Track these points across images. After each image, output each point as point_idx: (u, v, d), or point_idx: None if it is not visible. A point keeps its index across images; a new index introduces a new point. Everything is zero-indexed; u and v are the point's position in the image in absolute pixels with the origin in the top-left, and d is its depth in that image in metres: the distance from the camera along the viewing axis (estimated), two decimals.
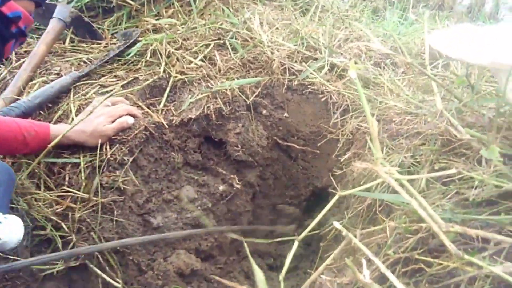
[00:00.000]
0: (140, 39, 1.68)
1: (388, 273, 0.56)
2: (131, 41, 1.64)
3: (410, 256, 0.66)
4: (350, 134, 1.27)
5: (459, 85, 0.93)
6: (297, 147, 1.52)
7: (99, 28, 1.81)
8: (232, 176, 1.43)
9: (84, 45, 1.72)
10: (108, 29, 1.83)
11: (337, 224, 0.64)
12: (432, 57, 1.09)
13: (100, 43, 1.73)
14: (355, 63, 1.60)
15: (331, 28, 1.70)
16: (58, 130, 1.19)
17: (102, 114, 1.26)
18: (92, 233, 1.15)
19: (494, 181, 0.64)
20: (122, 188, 1.25)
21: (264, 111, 1.51)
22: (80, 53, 1.66)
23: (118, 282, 1.13)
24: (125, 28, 1.83)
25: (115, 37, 1.78)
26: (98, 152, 1.20)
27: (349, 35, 1.78)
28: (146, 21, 1.81)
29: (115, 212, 1.20)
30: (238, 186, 1.42)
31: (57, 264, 1.13)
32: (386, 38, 2.05)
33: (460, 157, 0.78)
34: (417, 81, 1.36)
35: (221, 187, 1.45)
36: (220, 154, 1.52)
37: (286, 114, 1.52)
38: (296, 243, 0.70)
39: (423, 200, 0.59)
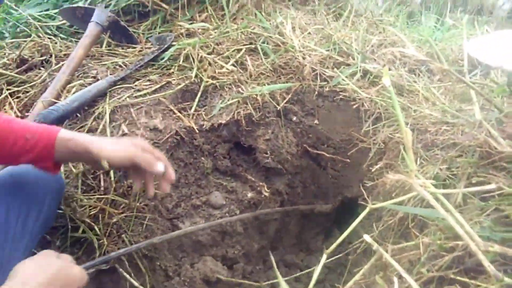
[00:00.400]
0: (174, 43, 1.70)
1: None
2: (165, 46, 1.67)
3: (445, 275, 0.63)
4: (382, 143, 1.24)
5: (499, 94, 0.88)
6: (327, 155, 1.49)
7: (134, 32, 1.85)
8: (261, 183, 1.42)
9: (120, 49, 1.76)
10: (143, 33, 1.88)
11: (367, 238, 0.62)
12: (471, 64, 1.04)
13: (135, 47, 1.76)
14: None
15: (364, 33, 1.67)
16: (71, 135, 0.94)
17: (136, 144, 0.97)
18: (123, 235, 1.17)
19: None
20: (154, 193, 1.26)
21: (294, 118, 1.50)
22: (116, 57, 1.70)
23: (146, 287, 1.15)
24: (159, 33, 1.87)
25: (149, 41, 1.82)
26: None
27: (383, 40, 1.74)
28: (180, 25, 1.84)
29: (147, 217, 1.22)
30: (267, 194, 1.42)
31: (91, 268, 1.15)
32: (421, 44, 2.00)
33: (500, 171, 0.74)
34: (454, 89, 1.31)
35: (250, 194, 1.45)
36: (249, 161, 1.52)
37: (316, 121, 1.50)
38: (324, 256, 0.68)
39: (459, 216, 0.56)
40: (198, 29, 1.74)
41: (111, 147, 0.93)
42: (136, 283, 1.12)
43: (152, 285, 1.23)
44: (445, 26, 2.57)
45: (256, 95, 1.43)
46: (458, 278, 0.62)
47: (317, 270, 0.66)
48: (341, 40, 1.58)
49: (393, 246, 0.69)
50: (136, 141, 0.98)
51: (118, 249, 1.14)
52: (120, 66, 1.62)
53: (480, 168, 0.77)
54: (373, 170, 1.20)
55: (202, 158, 1.46)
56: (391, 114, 1.32)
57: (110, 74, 1.53)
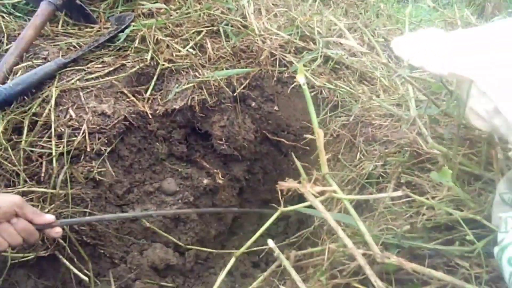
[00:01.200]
0: (133, 24, 1.64)
1: None
2: (122, 26, 1.60)
3: (346, 284, 0.60)
4: (333, 132, 1.20)
5: (437, 91, 0.84)
6: (287, 142, 1.46)
7: (94, 11, 1.77)
8: (215, 170, 1.39)
9: (76, 28, 1.69)
10: (104, 12, 1.79)
11: (271, 243, 0.59)
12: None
13: (93, 27, 1.69)
14: (354, 55, 1.51)
15: (333, 16, 1.60)
16: None
17: None
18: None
19: (445, 207, 0.57)
20: (97, 179, 1.23)
21: (253, 104, 1.46)
22: (71, 37, 1.63)
23: (86, 275, 1.12)
24: (121, 12, 1.79)
25: (109, 21, 1.74)
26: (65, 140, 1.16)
27: (353, 24, 1.68)
28: (142, 4, 1.76)
29: (89, 204, 1.18)
30: (221, 182, 1.38)
31: (29, 254, 1.12)
32: (403, 26, 1.92)
33: (425, 172, 0.70)
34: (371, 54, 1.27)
35: (205, 181, 1.42)
36: (207, 146, 1.48)
37: (276, 108, 1.45)
38: (233, 259, 0.65)
39: (361, 224, 0.53)
40: (159, 9, 1.67)
41: None
42: (75, 270, 1.10)
43: (98, 273, 1.21)
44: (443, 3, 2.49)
45: (211, 80, 1.38)
46: (359, 286, 0.59)
47: (222, 275, 0.63)
48: (305, 23, 1.51)
49: (300, 252, 0.66)
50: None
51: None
52: (74, 47, 1.55)
53: (409, 167, 0.74)
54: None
55: (157, 143, 1.42)
56: (348, 103, 1.28)
57: (62, 56, 1.47)
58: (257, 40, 1.45)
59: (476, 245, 0.54)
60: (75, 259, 1.14)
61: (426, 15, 2.40)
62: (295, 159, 0.57)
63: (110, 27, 1.67)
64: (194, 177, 1.43)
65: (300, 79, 0.60)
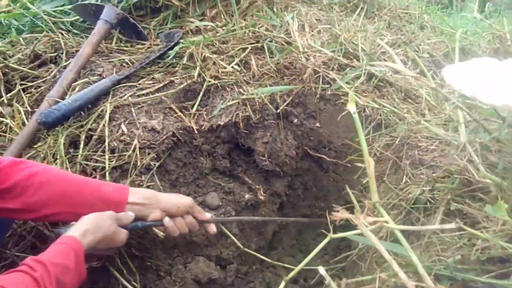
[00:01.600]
0: (181, 41, 1.70)
1: None
2: (172, 43, 1.67)
3: None
4: (377, 152, 1.19)
5: (488, 117, 0.82)
6: (328, 159, 1.46)
7: (146, 28, 1.86)
8: (257, 186, 1.41)
9: (129, 45, 1.78)
10: (154, 29, 1.88)
11: (322, 270, 0.60)
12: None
13: (144, 44, 1.78)
14: (397, 72, 1.50)
15: (376, 31, 1.60)
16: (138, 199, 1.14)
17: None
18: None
19: (499, 241, 0.56)
20: None
21: (295, 120, 1.47)
22: (124, 54, 1.72)
23: (134, 286, 1.17)
24: (170, 28, 1.87)
25: (159, 38, 1.82)
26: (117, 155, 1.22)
27: (397, 39, 1.67)
28: (190, 21, 1.83)
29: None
30: (262, 198, 1.40)
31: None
32: (447, 38, 1.88)
33: (477, 201, 0.69)
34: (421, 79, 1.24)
35: (247, 196, 1.45)
36: (249, 162, 1.51)
37: (318, 124, 1.46)
38: (283, 283, 0.67)
39: (413, 255, 0.54)
40: (204, 27, 1.72)
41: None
42: (124, 282, 1.15)
43: (144, 284, 1.26)
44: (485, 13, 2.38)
45: (254, 97, 1.41)
46: None
47: None
48: (348, 40, 1.52)
49: (350, 280, 0.67)
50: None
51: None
52: (127, 63, 1.64)
53: (459, 195, 0.73)
54: (364, 182, 1.17)
55: (201, 158, 1.47)
56: (392, 122, 1.27)
57: (116, 72, 1.56)
58: (301, 57, 1.47)
59: None
60: (125, 271, 1.19)
61: (472, 25, 2.32)
62: (349, 190, 0.58)
63: (160, 44, 1.75)
64: (236, 191, 1.46)
65: (351, 107, 0.61)
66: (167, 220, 1.14)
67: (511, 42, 1.87)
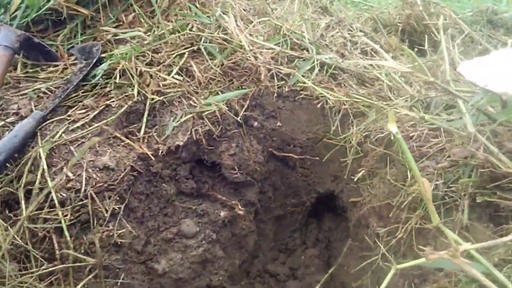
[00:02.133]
0: (103, 55, 1.49)
1: None
2: (93, 60, 1.45)
3: None
4: (357, 145, 1.18)
5: (489, 104, 0.83)
6: (295, 157, 1.42)
7: (51, 45, 1.59)
8: (233, 202, 1.32)
9: (39, 70, 1.51)
10: (62, 45, 1.62)
11: None
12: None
13: (57, 66, 1.52)
14: (343, 55, 1.49)
15: (311, 17, 1.56)
16: None
17: None
18: None
19: None
20: (119, 243, 1.12)
21: (255, 123, 1.40)
22: (36, 81, 1.45)
23: None
24: (81, 41, 1.62)
25: (72, 54, 1.58)
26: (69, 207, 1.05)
27: (330, 22, 1.65)
28: (105, 30, 1.62)
29: (121, 274, 1.08)
30: (242, 212, 1.32)
31: None
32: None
33: (507, 192, 0.70)
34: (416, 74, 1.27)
35: (222, 213, 1.35)
36: (214, 176, 1.40)
37: (279, 123, 1.40)
38: None
39: (498, 273, 0.51)
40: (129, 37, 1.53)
41: None
42: None
43: None
44: None
45: (211, 108, 1.30)
46: None
47: None
48: (291, 30, 1.46)
49: None
50: None
51: None
52: (45, 93, 1.39)
53: (481, 187, 0.73)
54: (355, 179, 1.15)
55: (164, 184, 1.33)
56: (358, 110, 1.26)
57: (35, 106, 1.31)
58: (249, 56, 1.38)
59: None
60: None
61: None
62: (447, 230, 0.53)
63: (78, 62, 1.51)
64: (210, 211, 1.35)
65: (392, 128, 0.55)
66: None
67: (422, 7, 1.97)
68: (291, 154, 1.43)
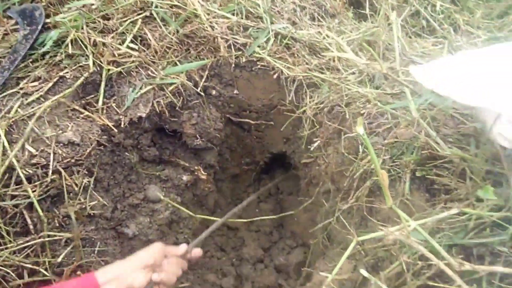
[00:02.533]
0: (47, 20, 1.42)
1: None
2: (38, 27, 1.38)
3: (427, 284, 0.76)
4: (312, 117, 1.30)
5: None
6: (252, 122, 1.52)
7: None
8: (196, 167, 1.41)
9: None
10: None
11: (364, 272, 0.71)
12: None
13: None
14: (294, 23, 1.56)
15: None
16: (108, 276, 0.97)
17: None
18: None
19: (487, 213, 0.75)
20: (92, 214, 1.18)
21: (214, 92, 1.45)
22: None
23: None
24: (19, 3, 1.51)
25: (10, 17, 1.47)
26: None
27: None
28: None
29: (96, 243, 1.15)
30: (204, 177, 1.42)
31: None
32: None
33: (441, 169, 0.87)
34: (362, 40, 1.39)
35: (185, 177, 1.44)
36: (174, 142, 1.47)
37: (236, 91, 1.47)
38: None
39: (438, 246, 0.68)
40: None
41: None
42: None
43: None
44: None
45: (175, 80, 1.33)
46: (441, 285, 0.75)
47: None
48: None
49: (386, 274, 0.78)
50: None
51: None
52: None
53: (421, 164, 0.89)
54: (311, 149, 1.28)
55: (126, 153, 1.37)
56: (311, 80, 1.36)
57: None
58: (206, 27, 1.40)
59: (508, 230, 0.74)
60: None
61: None
62: (398, 211, 0.66)
63: (20, 28, 1.42)
64: (173, 176, 1.43)
65: (360, 129, 0.67)
66: (155, 276, 1.01)
67: None
68: (247, 120, 1.52)
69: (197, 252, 1.19)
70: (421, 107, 0.96)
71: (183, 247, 1.15)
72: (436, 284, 0.72)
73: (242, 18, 1.46)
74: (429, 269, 0.73)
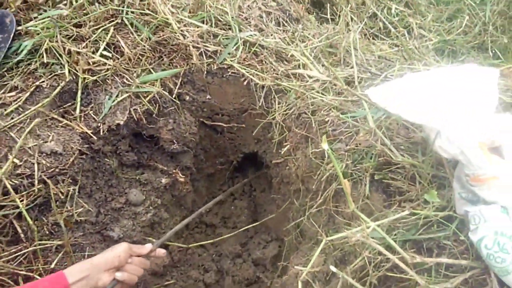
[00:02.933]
0: (19, 28, 1.43)
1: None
2: (11, 35, 1.39)
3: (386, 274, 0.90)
4: (281, 122, 1.41)
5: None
6: (224, 125, 1.61)
7: None
8: (174, 171, 1.49)
9: None
10: None
11: (333, 268, 0.83)
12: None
13: None
14: (261, 29, 1.65)
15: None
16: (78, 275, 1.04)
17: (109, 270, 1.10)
18: None
19: (433, 213, 0.89)
20: (79, 220, 1.24)
21: (187, 98, 1.53)
22: None
23: None
24: None
25: None
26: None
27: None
28: None
29: (86, 247, 1.22)
30: (182, 179, 1.50)
31: None
32: None
33: (396, 174, 1.01)
34: (324, 48, 1.50)
35: (163, 180, 1.51)
36: (151, 146, 1.53)
37: (208, 96, 1.55)
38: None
39: (392, 241, 0.82)
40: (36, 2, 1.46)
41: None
42: None
43: None
44: None
45: (151, 89, 1.39)
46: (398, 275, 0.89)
47: None
48: (214, 6, 1.56)
49: (351, 268, 0.92)
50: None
51: None
52: None
53: (378, 170, 1.03)
54: (282, 152, 1.39)
55: (106, 159, 1.43)
56: (279, 87, 1.47)
57: None
58: (178, 35, 1.46)
59: (451, 226, 0.88)
60: None
61: None
62: (361, 214, 0.78)
63: None
64: (152, 179, 1.51)
65: (325, 146, 0.79)
66: (119, 275, 1.10)
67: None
68: (219, 123, 1.61)
69: (161, 252, 1.26)
70: (377, 117, 1.09)
71: (148, 247, 1.22)
72: (394, 275, 0.86)
73: (211, 26, 1.54)
74: (387, 262, 0.87)
